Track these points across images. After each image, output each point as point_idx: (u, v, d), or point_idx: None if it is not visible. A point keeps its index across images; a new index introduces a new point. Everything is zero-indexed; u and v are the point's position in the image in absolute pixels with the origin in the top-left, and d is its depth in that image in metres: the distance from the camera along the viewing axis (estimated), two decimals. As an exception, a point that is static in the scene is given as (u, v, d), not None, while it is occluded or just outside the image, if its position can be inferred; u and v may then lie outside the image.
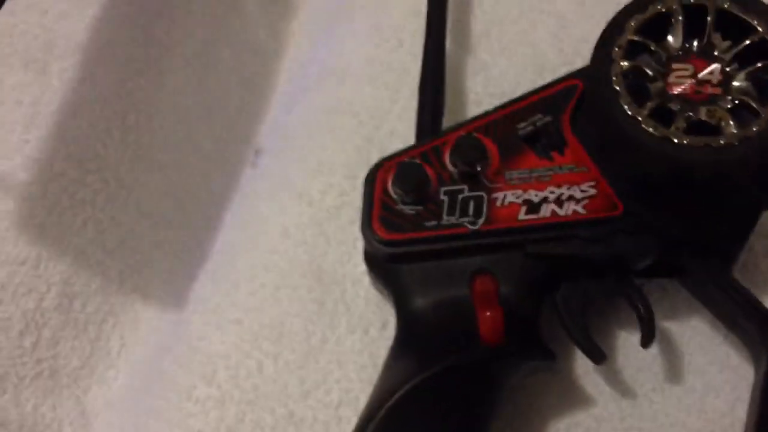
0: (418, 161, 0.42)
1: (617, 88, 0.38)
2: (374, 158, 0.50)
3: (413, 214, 0.41)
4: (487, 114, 0.44)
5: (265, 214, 0.51)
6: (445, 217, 0.41)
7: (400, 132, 0.51)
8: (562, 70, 0.51)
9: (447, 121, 0.50)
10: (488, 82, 0.51)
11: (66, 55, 0.56)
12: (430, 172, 0.42)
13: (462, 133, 0.43)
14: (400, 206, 0.41)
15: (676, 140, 0.36)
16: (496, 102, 0.50)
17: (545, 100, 0.43)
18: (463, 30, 0.54)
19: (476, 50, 0.53)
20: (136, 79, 0.57)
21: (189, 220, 0.57)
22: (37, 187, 0.53)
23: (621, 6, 0.51)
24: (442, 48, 0.49)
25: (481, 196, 0.41)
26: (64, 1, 0.58)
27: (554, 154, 0.42)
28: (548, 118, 0.42)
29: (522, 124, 0.43)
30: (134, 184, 0.56)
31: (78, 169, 0.54)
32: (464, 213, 0.41)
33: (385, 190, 0.42)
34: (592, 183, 0.41)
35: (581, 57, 0.51)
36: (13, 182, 0.53)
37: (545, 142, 0.42)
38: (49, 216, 0.53)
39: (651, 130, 0.37)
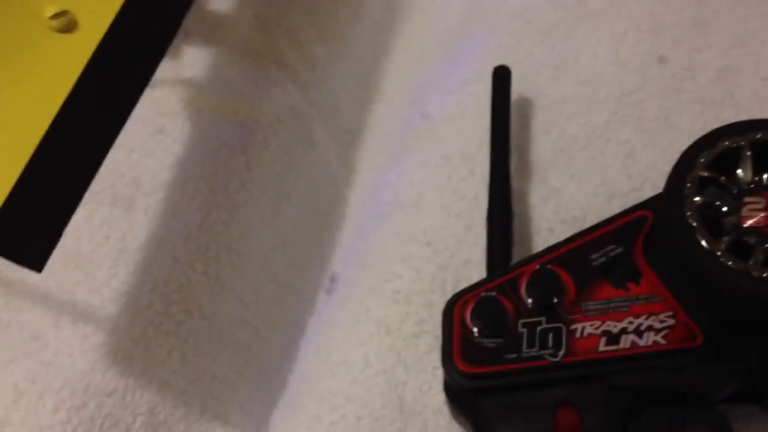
0: (495, 294, 0.43)
1: (693, 223, 0.38)
2: (450, 286, 0.51)
3: (493, 347, 0.42)
4: (559, 246, 0.45)
5: (343, 343, 0.52)
6: (524, 349, 0.41)
7: (474, 260, 0.52)
8: (632, 196, 0.52)
9: (519, 248, 0.51)
10: (559, 209, 0.53)
11: (151, 191, 0.60)
12: (507, 305, 0.43)
13: (536, 265, 0.44)
14: (480, 339, 0.42)
15: (755, 274, 0.37)
16: (568, 228, 0.52)
17: (616, 230, 0.44)
18: (532, 158, 0.56)
19: (545, 177, 0.54)
20: (216, 213, 0.59)
21: (267, 347, 0.59)
22: (124, 320, 0.55)
23: (684, 133, 0.53)
24: (507, 180, 0.51)
25: (560, 328, 0.42)
26: (149, 140, 0.61)
27: (630, 285, 0.42)
28: (621, 249, 0.43)
29: (595, 255, 0.44)
30: (215, 314, 0.58)
31: (163, 300, 0.56)
32: (544, 345, 0.41)
33: (463, 324, 0.43)
34: (670, 313, 0.41)
35: (650, 183, 0.52)
36: (102, 316, 0.55)
37: (620, 273, 0.43)
38: (135, 347, 0.55)
39: (730, 264, 0.37)
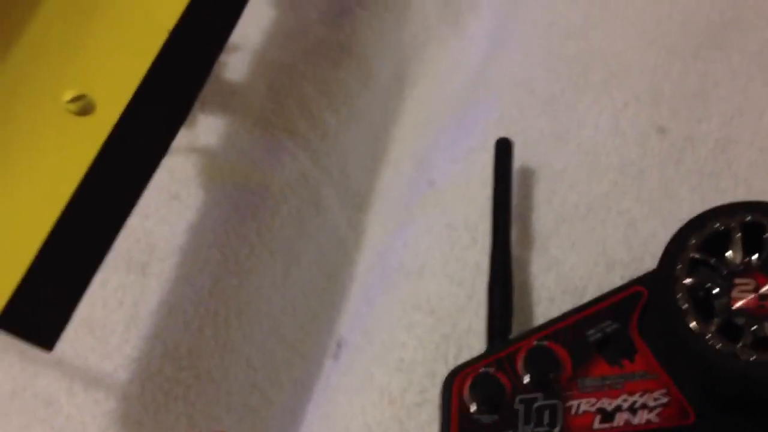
0: (492, 371, 0.44)
1: (683, 305, 0.39)
2: (451, 355, 0.52)
3: (490, 424, 0.43)
4: (556, 321, 0.46)
5: (347, 410, 0.53)
6: (521, 426, 0.42)
7: (476, 329, 0.53)
8: (632, 267, 0.53)
9: (520, 317, 0.52)
10: (560, 279, 0.54)
11: (165, 256, 0.61)
12: (504, 380, 0.44)
13: (533, 341, 0.45)
14: (477, 415, 0.43)
15: (743, 357, 0.38)
16: (568, 298, 0.52)
17: (612, 306, 0.45)
18: (533, 227, 0.57)
19: (547, 247, 0.55)
20: (227, 278, 0.61)
21: (275, 410, 0.60)
22: (135, 386, 0.56)
23: (684, 203, 0.54)
24: (508, 251, 0.52)
25: (555, 405, 0.42)
26: (164, 206, 0.63)
27: (625, 362, 0.43)
28: (616, 325, 0.44)
29: (591, 331, 0.44)
30: (223, 378, 0.59)
31: (172, 365, 0.57)
32: (539, 422, 0.42)
33: (461, 399, 0.44)
34: (664, 390, 0.42)
35: (650, 253, 0.53)
36: (114, 381, 0.57)
37: (615, 349, 0.44)
38: (146, 413, 0.56)
39: (719, 346, 0.38)
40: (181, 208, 0.63)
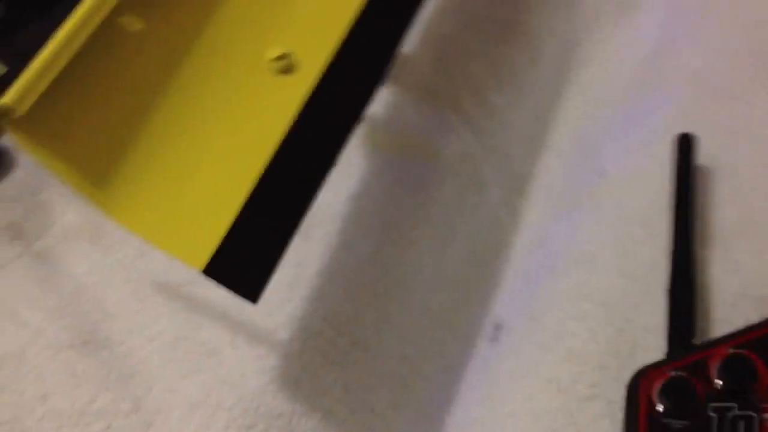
0: (685, 375, 0.43)
1: None
2: (625, 351, 0.51)
3: (680, 429, 0.41)
4: (751, 329, 0.44)
5: (510, 395, 0.52)
6: (714, 434, 0.41)
7: (652, 327, 0.51)
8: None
9: (699, 320, 0.50)
10: (744, 284, 0.51)
11: (327, 222, 0.62)
12: (697, 386, 0.42)
13: (728, 348, 0.43)
14: (666, 419, 0.42)
15: None
16: (752, 305, 0.51)
17: (817, 320, 0.43)
18: (714, 227, 0.55)
19: (730, 249, 0.53)
20: (387, 248, 0.61)
21: (425, 386, 0.60)
22: (295, 345, 0.57)
23: None
24: (690, 253, 0.50)
25: (752, 417, 0.41)
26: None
27: (828, 379, 0.41)
28: (819, 339, 0.42)
29: (792, 343, 0.43)
30: (378, 348, 0.59)
31: (332, 330, 0.58)
32: (734, 432, 0.41)
33: (649, 401, 0.43)
34: None
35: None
36: (275, 339, 0.58)
37: (818, 365, 0.42)
38: (303, 373, 0.57)
39: None
40: (344, 175, 0.64)
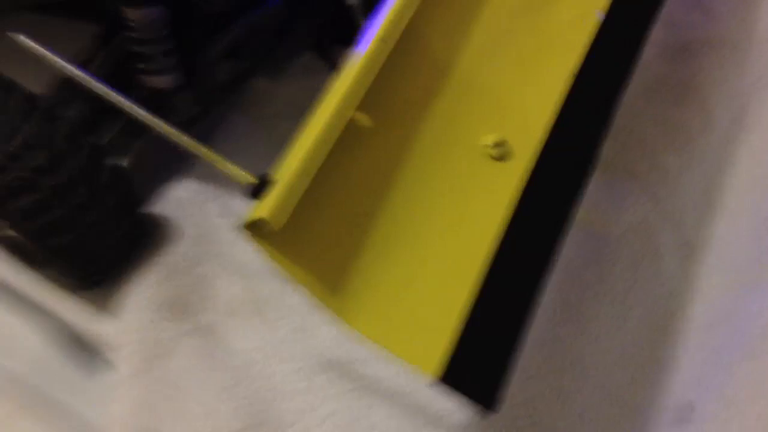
0: None
1: None
2: None
3: None
4: None
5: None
6: None
7: None
8: None
9: None
10: None
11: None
12: None
13: None
14: None
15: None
16: None
17: None
18: None
19: None
20: (566, 324, 0.59)
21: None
22: (473, 426, 0.55)
23: None
24: None
25: None
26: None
27: None
28: None
29: None
30: (556, 429, 0.57)
31: (510, 410, 0.56)
32: None
33: None
34: None
35: None
36: (453, 422, 0.56)
37: None
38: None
39: None
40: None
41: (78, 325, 0.66)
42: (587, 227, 0.61)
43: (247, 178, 0.42)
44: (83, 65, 0.64)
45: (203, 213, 0.69)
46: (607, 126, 0.51)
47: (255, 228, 0.41)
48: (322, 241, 0.43)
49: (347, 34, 0.57)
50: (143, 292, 0.65)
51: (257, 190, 0.41)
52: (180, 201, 0.70)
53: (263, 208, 0.40)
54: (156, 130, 0.48)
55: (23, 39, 0.50)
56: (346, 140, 0.43)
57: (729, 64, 0.70)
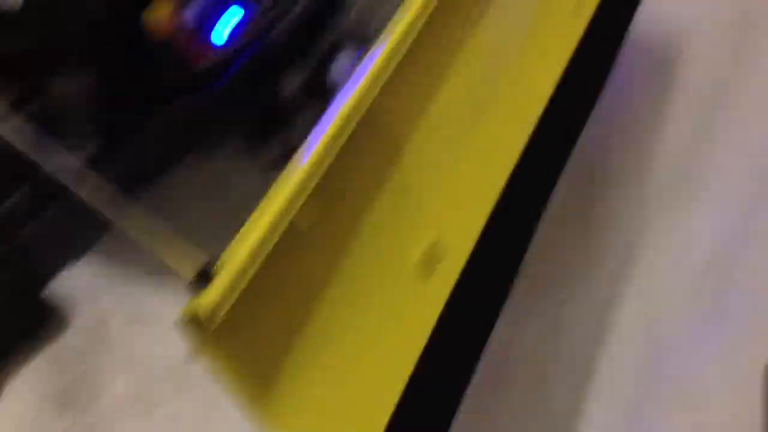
0: None
1: None
2: None
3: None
4: None
5: None
6: None
7: None
8: None
9: None
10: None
11: None
12: None
13: None
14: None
15: None
16: None
17: None
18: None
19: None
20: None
21: None
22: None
23: None
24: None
25: None
26: None
27: None
28: None
29: None
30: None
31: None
32: None
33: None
34: None
35: None
36: None
37: None
38: None
39: None
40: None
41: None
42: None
43: (187, 270, 0.40)
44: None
45: (96, 303, 0.65)
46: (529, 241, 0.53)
47: (187, 324, 0.39)
48: (254, 342, 0.42)
49: (277, 129, 0.59)
50: (27, 382, 0.60)
51: (196, 284, 0.39)
52: (73, 287, 0.66)
53: (200, 306, 0.38)
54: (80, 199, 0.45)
55: None
56: (285, 241, 0.42)
57: (627, 195, 0.74)
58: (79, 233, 0.64)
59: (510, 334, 0.62)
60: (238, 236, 0.40)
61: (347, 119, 0.45)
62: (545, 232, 0.68)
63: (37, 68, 0.57)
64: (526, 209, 0.57)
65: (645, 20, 0.76)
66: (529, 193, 0.56)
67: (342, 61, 0.60)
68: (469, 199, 0.53)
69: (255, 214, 0.41)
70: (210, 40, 0.54)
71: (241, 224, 0.41)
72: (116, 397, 0.60)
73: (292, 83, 0.61)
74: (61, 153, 0.51)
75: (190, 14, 0.52)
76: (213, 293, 0.38)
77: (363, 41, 0.60)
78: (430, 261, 0.49)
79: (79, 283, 0.67)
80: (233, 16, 0.55)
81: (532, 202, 0.57)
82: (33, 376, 0.61)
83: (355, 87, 0.47)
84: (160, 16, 0.51)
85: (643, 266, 0.70)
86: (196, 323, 0.38)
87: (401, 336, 0.47)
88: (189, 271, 0.39)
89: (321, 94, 0.62)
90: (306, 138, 0.45)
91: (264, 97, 0.62)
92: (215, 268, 0.40)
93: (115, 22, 0.52)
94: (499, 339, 0.63)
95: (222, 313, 0.39)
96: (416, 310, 0.48)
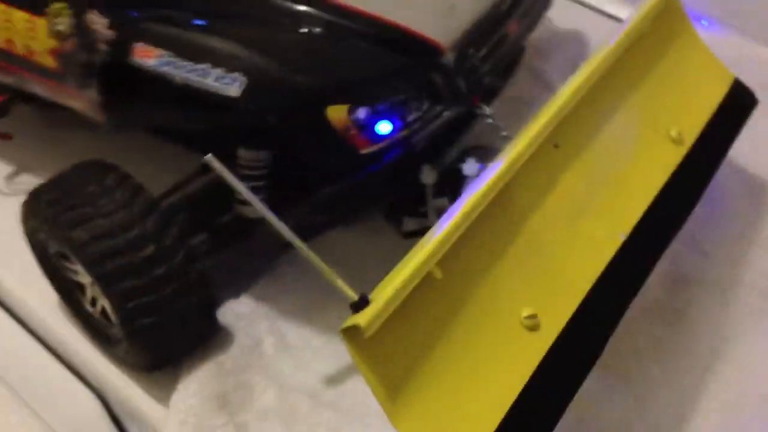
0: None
1: None
2: None
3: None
4: None
5: None
6: None
7: None
8: None
9: None
10: None
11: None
12: None
13: None
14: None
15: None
16: None
17: None
18: None
19: None
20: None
21: None
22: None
23: None
24: None
25: None
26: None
27: None
28: None
29: None
30: None
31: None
32: None
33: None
34: None
35: None
36: None
37: None
38: None
39: None
40: None
41: (130, 401, 0.77)
42: (577, 413, 0.71)
43: (352, 295, 0.59)
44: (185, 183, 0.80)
45: (254, 328, 0.80)
46: (614, 327, 0.64)
47: (349, 332, 0.57)
48: (394, 355, 0.59)
49: (414, 207, 0.74)
50: (192, 384, 0.75)
51: (357, 306, 0.57)
52: (237, 314, 0.82)
53: (361, 319, 0.56)
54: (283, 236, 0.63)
55: (212, 160, 0.65)
56: (423, 285, 0.59)
57: (716, 301, 0.83)
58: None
59: (596, 406, 0.73)
60: (386, 278, 0.59)
61: (475, 205, 0.63)
62: (637, 322, 0.79)
63: (237, 140, 0.76)
64: (615, 299, 0.69)
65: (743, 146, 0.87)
66: (619, 285, 0.69)
67: (471, 162, 0.75)
68: (570, 281, 0.67)
69: (400, 264, 0.59)
70: (374, 134, 0.71)
71: (384, 274, 0.57)
72: (263, 406, 0.74)
73: (430, 174, 0.76)
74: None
75: (362, 113, 0.69)
76: (370, 312, 0.56)
77: (490, 147, 0.76)
78: (534, 319, 0.63)
79: (243, 309, 0.83)
80: (393, 117, 0.71)
81: (621, 293, 0.70)
82: (198, 381, 0.76)
83: (483, 183, 0.65)
84: (339, 111, 0.69)
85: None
86: (357, 331, 0.56)
87: (503, 379, 0.61)
88: (353, 294, 0.55)
89: (453, 187, 0.76)
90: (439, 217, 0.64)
91: (408, 182, 0.78)
92: (372, 295, 0.58)
93: (307, 112, 0.70)
94: (587, 409, 0.73)
95: (376, 326, 0.57)
96: (517, 358, 0.62)
